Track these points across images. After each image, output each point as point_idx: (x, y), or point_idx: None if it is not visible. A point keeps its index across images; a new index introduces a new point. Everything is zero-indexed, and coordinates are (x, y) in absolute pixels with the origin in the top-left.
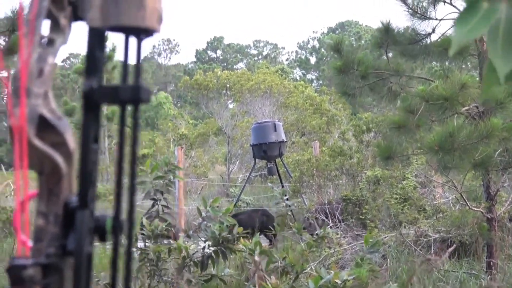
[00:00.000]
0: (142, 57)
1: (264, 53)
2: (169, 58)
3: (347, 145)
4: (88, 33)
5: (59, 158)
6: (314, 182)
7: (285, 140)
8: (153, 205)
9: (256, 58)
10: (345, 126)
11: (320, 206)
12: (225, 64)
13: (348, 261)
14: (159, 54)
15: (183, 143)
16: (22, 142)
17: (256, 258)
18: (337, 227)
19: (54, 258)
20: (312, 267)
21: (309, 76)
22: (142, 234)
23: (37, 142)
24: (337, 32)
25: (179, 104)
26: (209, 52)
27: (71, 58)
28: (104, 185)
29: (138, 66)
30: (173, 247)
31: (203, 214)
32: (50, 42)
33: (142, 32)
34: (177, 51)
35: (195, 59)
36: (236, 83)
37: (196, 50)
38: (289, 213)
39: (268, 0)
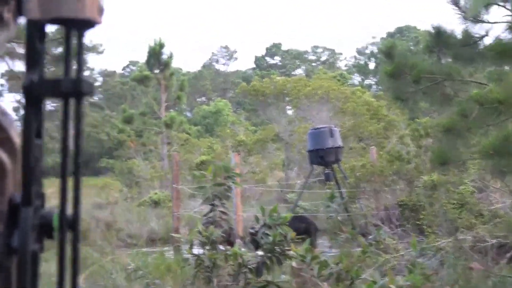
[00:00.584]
0: (83, 50)
1: (322, 59)
2: (228, 65)
3: (405, 150)
4: (27, 25)
5: (2, 154)
6: (370, 187)
7: (341, 145)
8: (210, 211)
9: (314, 64)
10: (403, 131)
11: (377, 212)
12: (284, 70)
13: (405, 267)
14: (218, 61)
15: (241, 149)
16: None
17: (293, 264)
18: (394, 233)
19: None
20: (368, 273)
21: (367, 82)
22: (199, 240)
23: None
24: (396, 37)
25: (238, 111)
26: (267, 58)
27: (130, 66)
28: (163, 191)
29: (79, 59)
30: (229, 253)
31: (261, 222)
32: None
33: (83, 24)
34: (235, 58)
35: (254, 66)
36: (293, 89)
37: (255, 57)
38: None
39: (327, 6)
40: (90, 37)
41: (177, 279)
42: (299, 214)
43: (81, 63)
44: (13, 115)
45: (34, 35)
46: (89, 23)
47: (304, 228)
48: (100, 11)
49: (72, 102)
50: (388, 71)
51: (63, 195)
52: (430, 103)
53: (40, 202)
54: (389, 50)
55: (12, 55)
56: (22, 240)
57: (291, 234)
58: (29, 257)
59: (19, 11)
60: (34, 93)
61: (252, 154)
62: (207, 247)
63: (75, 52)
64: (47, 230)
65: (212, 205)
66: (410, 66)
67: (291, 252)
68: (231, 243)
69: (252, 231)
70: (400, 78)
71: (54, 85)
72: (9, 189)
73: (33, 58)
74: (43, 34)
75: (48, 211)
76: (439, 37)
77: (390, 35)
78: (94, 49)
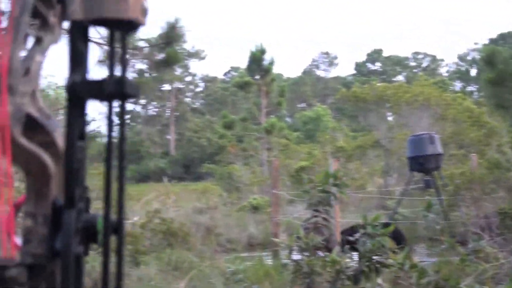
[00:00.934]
0: (127, 51)
1: (423, 65)
2: (328, 71)
3: (505, 157)
4: (71, 27)
5: (47, 158)
6: (469, 195)
7: (442, 152)
8: (313, 216)
9: (415, 70)
10: (505, 139)
11: (476, 220)
12: (384, 76)
13: (505, 276)
14: (318, 67)
15: (341, 155)
16: (5, 141)
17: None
18: (494, 241)
19: (41, 259)
20: (467, 282)
21: (469, 88)
22: (298, 245)
23: (24, 141)
24: (499, 43)
25: (337, 117)
26: (368, 64)
27: (231, 72)
28: (263, 197)
29: (123, 60)
30: (327, 260)
31: (362, 230)
32: (38, 40)
33: (126, 25)
34: (336, 64)
35: (354, 72)
36: (394, 95)
37: (356, 63)
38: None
39: (428, 12)
40: (192, 43)
41: (275, 285)
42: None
43: (125, 65)
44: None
45: (77, 37)
46: (133, 24)
47: (392, 237)
48: (144, 12)
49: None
50: (489, 78)
51: (108, 199)
52: None
53: (83, 205)
54: (490, 57)
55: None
56: (65, 243)
57: (390, 243)
58: (72, 259)
59: (64, 15)
60: (77, 94)
61: (352, 160)
62: (306, 253)
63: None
64: (91, 234)
65: (316, 210)
66: None
67: (390, 261)
68: (329, 250)
69: (351, 238)
70: (502, 85)
71: (97, 86)
72: (52, 193)
73: (76, 59)
74: (86, 36)
75: (92, 215)
76: None
77: (493, 41)
78: (196, 55)
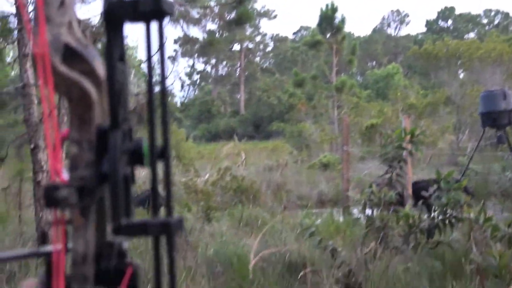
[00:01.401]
0: None
1: (495, 22)
2: (399, 29)
3: None
4: None
5: (88, 85)
6: None
7: None
8: (386, 172)
9: (487, 28)
10: None
11: None
12: (456, 34)
13: None
14: (389, 25)
15: (412, 112)
16: (46, 69)
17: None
18: None
19: (89, 182)
20: None
21: None
22: (370, 200)
23: (64, 69)
24: None
25: (408, 75)
26: (440, 22)
27: (302, 31)
28: (333, 154)
29: None
30: (401, 215)
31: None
32: None
33: None
34: (407, 22)
35: (425, 30)
36: (466, 52)
37: (427, 21)
38: None
39: None
40: (262, 2)
41: (346, 240)
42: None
43: None
44: (186, 80)
45: None
46: None
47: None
48: None
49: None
50: None
51: (152, 123)
52: None
53: (127, 127)
54: None
55: (186, 19)
56: (111, 164)
57: (466, 198)
58: (120, 181)
59: None
60: (114, 17)
61: (423, 117)
62: (379, 208)
63: None
64: (137, 157)
65: (390, 166)
66: None
67: (465, 215)
68: (402, 205)
69: (425, 194)
70: None
71: (134, 6)
72: (96, 119)
73: None
74: None
75: (138, 138)
76: None
77: None
78: (266, 14)
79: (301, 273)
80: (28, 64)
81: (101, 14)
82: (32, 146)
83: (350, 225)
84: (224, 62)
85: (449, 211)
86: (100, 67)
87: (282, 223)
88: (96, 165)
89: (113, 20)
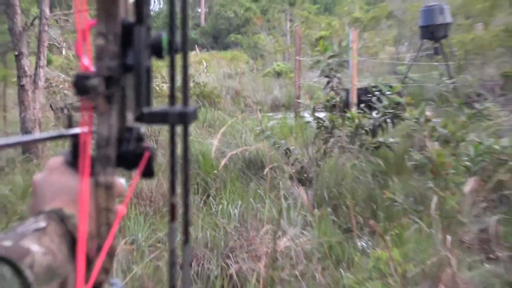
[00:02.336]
0: None
1: None
2: None
3: None
4: None
5: None
6: (477, 60)
7: (451, 22)
8: (328, 83)
9: None
10: (508, 9)
11: (482, 83)
12: None
13: (507, 131)
14: None
15: (357, 26)
16: None
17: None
18: (497, 101)
19: (115, 71)
20: (472, 138)
21: None
22: (319, 105)
23: None
24: None
25: None
26: None
27: None
28: (286, 63)
29: None
30: (347, 116)
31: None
32: None
33: None
34: None
35: None
36: None
37: None
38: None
39: None
40: None
41: (298, 140)
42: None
43: None
44: None
45: None
46: None
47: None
48: None
49: None
50: None
51: (172, 20)
52: None
53: (149, 23)
54: None
55: None
56: (136, 56)
57: (407, 98)
58: (144, 71)
59: None
60: None
61: (367, 30)
62: (327, 111)
63: None
64: (157, 50)
65: (328, 76)
66: None
67: (406, 115)
68: (347, 109)
69: (365, 98)
70: None
71: None
72: (121, 14)
73: None
74: None
75: (158, 33)
76: None
77: None
78: None
79: (259, 171)
80: None
81: None
82: (16, 53)
83: (301, 127)
84: None
85: (390, 111)
86: None
87: (242, 124)
88: (121, 56)
89: None
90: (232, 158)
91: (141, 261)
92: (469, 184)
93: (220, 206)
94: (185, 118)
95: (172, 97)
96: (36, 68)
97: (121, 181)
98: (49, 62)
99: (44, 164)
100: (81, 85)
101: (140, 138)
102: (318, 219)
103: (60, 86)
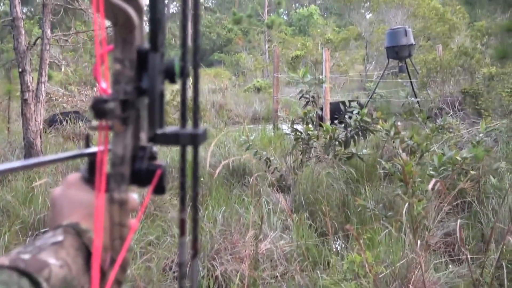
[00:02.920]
0: None
1: None
2: None
3: (471, 46)
4: None
5: (131, 11)
6: (438, 77)
7: (414, 43)
8: (306, 103)
9: None
10: (464, 32)
11: (442, 98)
12: None
13: (466, 143)
14: None
15: (329, 46)
16: None
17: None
18: (456, 116)
19: (131, 95)
20: (435, 148)
21: None
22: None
23: None
24: None
25: (325, 15)
26: None
27: None
28: (265, 80)
29: None
30: (322, 129)
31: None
32: None
33: None
34: None
35: None
36: None
37: None
38: (416, 104)
39: None
40: None
41: (277, 150)
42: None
43: None
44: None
45: None
46: None
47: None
48: None
49: None
50: None
51: (184, 46)
52: (493, 8)
53: (163, 50)
54: None
55: None
56: (150, 81)
57: (377, 113)
58: (158, 95)
59: None
60: None
61: (338, 50)
62: (303, 125)
63: None
64: (170, 75)
65: (306, 97)
66: None
67: (377, 127)
68: (322, 121)
69: (337, 114)
70: None
71: None
72: (137, 41)
73: None
74: None
75: (170, 59)
76: None
77: None
78: None
79: (242, 179)
80: (17, 1)
81: None
82: (20, 69)
83: (280, 138)
84: (174, 2)
85: (361, 124)
86: None
87: (226, 135)
88: (136, 81)
89: None
90: (217, 167)
91: (133, 262)
92: (431, 184)
93: (206, 211)
94: (195, 140)
95: (183, 119)
96: (38, 84)
97: (134, 197)
98: (49, 77)
99: (44, 172)
100: (99, 108)
101: (152, 157)
102: (296, 224)
103: (59, 100)
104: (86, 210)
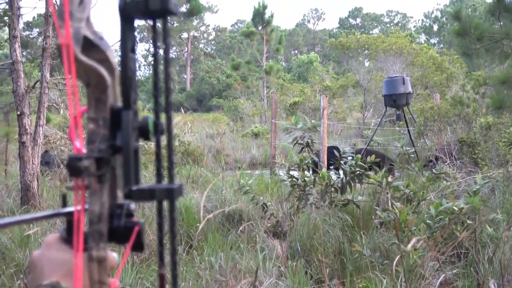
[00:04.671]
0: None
1: (396, 21)
2: (317, 24)
3: (466, 96)
4: None
5: (103, 71)
6: (435, 126)
7: (411, 92)
8: (301, 149)
9: (388, 25)
10: (462, 82)
11: (440, 147)
12: (363, 30)
13: (462, 192)
14: (308, 21)
15: (327, 93)
16: (70, 58)
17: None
18: (453, 164)
19: (105, 153)
20: (432, 197)
21: (432, 41)
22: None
23: (83, 58)
24: (456, 4)
25: (324, 62)
26: (350, 19)
27: (238, 23)
28: (262, 126)
29: None
30: (318, 176)
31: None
32: None
33: None
34: (323, 19)
35: (338, 25)
36: (372, 45)
37: (340, 18)
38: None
39: None
40: None
41: (274, 196)
42: (374, 149)
43: None
44: (142, 61)
45: None
46: None
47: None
48: None
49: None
50: (455, 30)
51: (156, 104)
52: (490, 59)
53: (136, 108)
54: (457, 13)
55: None
56: (125, 139)
57: (371, 157)
58: (132, 153)
59: None
60: (127, 13)
61: (336, 97)
62: (299, 171)
63: None
64: (144, 132)
65: (301, 144)
66: (475, 27)
67: (371, 174)
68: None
69: (334, 159)
70: (466, 36)
71: (144, 5)
72: (110, 100)
73: None
74: None
75: (144, 117)
76: (500, 2)
77: (452, 2)
78: (210, 9)
79: (238, 224)
80: (17, 44)
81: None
82: (18, 112)
83: (277, 184)
84: (174, 48)
85: (357, 170)
86: (113, 56)
87: (223, 181)
88: (110, 139)
89: (126, 16)
90: (213, 212)
91: None
92: (411, 243)
93: (202, 256)
94: (171, 194)
95: (158, 175)
96: (36, 127)
97: (113, 254)
98: (47, 120)
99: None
100: (74, 166)
101: (130, 214)
102: (292, 270)
103: (57, 143)
104: (66, 269)
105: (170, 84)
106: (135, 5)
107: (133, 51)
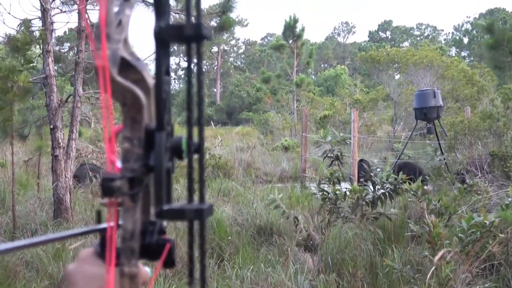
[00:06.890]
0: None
1: (426, 34)
2: (347, 37)
3: (496, 110)
4: None
5: (139, 91)
6: (466, 140)
7: (442, 105)
8: (331, 163)
9: (418, 38)
10: (493, 95)
11: (471, 160)
12: (393, 43)
13: (494, 205)
14: (339, 34)
15: (357, 106)
16: (106, 78)
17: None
18: (485, 178)
19: (138, 173)
20: (463, 210)
21: (462, 54)
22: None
23: (119, 79)
24: (486, 17)
25: (353, 75)
26: (380, 33)
27: (268, 37)
28: (293, 139)
29: (198, 6)
30: (349, 189)
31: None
32: None
33: None
34: (353, 32)
35: (367, 39)
36: (403, 58)
37: (369, 31)
38: (444, 165)
39: None
40: (237, 13)
41: (304, 209)
42: (408, 161)
43: (199, 11)
44: (172, 75)
45: None
46: None
47: (413, 173)
48: None
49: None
50: (488, 44)
51: (189, 125)
52: None
53: (170, 128)
54: (490, 26)
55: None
56: (157, 159)
57: (402, 175)
58: (164, 173)
59: None
60: (162, 38)
61: (366, 110)
62: (330, 184)
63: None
64: (177, 152)
65: (331, 157)
66: (508, 40)
67: (404, 187)
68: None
69: (362, 173)
70: (498, 49)
71: (178, 30)
72: (145, 120)
73: (161, 8)
74: None
75: (178, 137)
76: None
77: (482, 15)
78: (240, 22)
79: (269, 237)
80: (50, 59)
81: (153, 36)
82: (51, 126)
83: (307, 197)
84: (204, 61)
85: (388, 185)
86: (149, 77)
87: (254, 194)
88: (144, 158)
89: (161, 41)
90: (244, 225)
91: None
92: (439, 254)
93: (234, 269)
94: (201, 215)
95: (190, 195)
96: (68, 141)
97: (146, 269)
98: (80, 134)
99: (72, 227)
100: (107, 186)
101: (162, 231)
102: (324, 284)
103: (89, 156)
104: (99, 284)
105: (203, 107)
106: (170, 30)
107: (167, 73)
